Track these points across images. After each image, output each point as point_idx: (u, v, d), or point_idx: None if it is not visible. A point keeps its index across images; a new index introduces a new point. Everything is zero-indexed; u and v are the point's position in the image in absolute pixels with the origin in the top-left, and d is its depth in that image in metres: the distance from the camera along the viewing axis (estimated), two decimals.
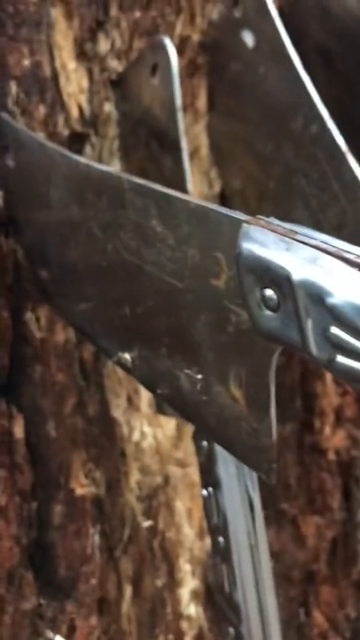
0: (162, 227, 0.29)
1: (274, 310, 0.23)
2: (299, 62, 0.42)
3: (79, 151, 0.48)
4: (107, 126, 0.49)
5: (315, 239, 0.23)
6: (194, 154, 0.53)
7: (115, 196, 0.32)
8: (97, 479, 0.50)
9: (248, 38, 0.46)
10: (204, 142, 0.53)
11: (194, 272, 0.28)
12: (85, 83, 0.47)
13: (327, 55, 0.51)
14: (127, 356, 0.37)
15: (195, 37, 0.50)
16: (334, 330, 0.21)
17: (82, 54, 0.47)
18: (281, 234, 0.23)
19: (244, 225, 0.24)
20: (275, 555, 0.60)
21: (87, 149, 0.48)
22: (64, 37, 0.46)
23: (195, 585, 0.57)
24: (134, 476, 0.53)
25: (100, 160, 0.49)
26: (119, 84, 0.48)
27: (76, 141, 0.48)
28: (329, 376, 0.59)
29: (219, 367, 0.29)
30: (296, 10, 0.52)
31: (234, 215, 0.25)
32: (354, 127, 0.48)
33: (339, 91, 0.50)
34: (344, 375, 0.21)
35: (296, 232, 0.23)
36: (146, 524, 0.53)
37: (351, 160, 0.39)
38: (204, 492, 0.43)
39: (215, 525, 0.43)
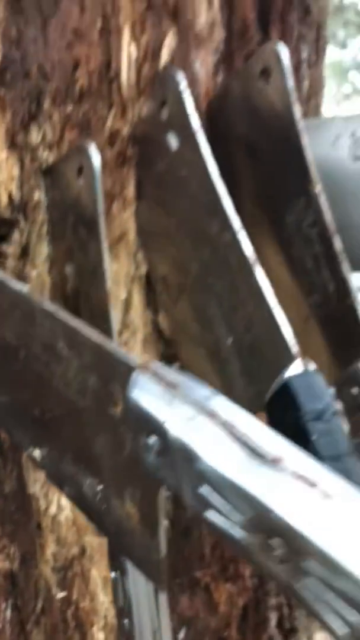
0: (68, 350, 0.31)
1: (156, 455, 0.25)
2: (216, 174, 0.45)
3: (7, 236, 0.50)
4: (37, 212, 0.51)
5: (196, 395, 0.25)
6: (121, 238, 0.56)
7: (27, 313, 0.34)
8: (11, 554, 0.51)
9: (172, 141, 0.49)
10: (131, 227, 0.55)
11: (94, 396, 0.30)
12: (16, 171, 0.49)
13: (252, 149, 0.54)
14: (37, 452, 0.38)
15: (126, 130, 0.53)
16: (203, 490, 0.23)
17: (14, 144, 0.49)
18: (166, 386, 0.25)
19: (135, 373, 0.27)
20: (188, 622, 0.62)
21: (16, 233, 0.50)
22: None
23: None
24: (50, 548, 0.54)
25: (28, 243, 0.51)
26: (50, 174, 0.50)
27: (4, 226, 0.49)
28: None
29: (116, 484, 0.31)
30: (224, 107, 0.56)
31: (128, 361, 0.27)
32: (276, 211, 0.52)
33: (263, 181, 0.54)
34: (214, 530, 0.23)
35: (179, 385, 0.25)
36: (60, 595, 0.54)
37: (258, 272, 0.42)
38: (112, 574, 0.45)
39: (121, 608, 0.45)
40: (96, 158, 0.43)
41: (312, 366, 0.40)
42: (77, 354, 0.30)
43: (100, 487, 0.33)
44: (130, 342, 0.57)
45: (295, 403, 0.39)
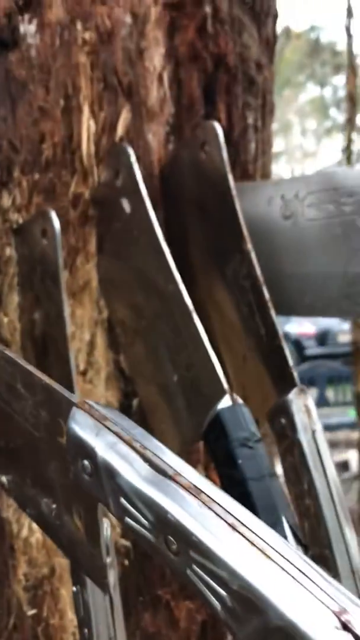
0: (24, 390, 0.38)
1: (89, 475, 0.32)
2: (161, 236, 0.52)
3: None
4: (8, 265, 0.58)
5: (119, 426, 0.32)
6: (85, 286, 0.63)
7: None
8: None
9: (126, 205, 0.56)
10: (94, 276, 0.62)
11: (46, 428, 0.37)
12: None
13: (199, 208, 0.62)
14: (4, 479, 0.44)
15: (87, 194, 0.60)
16: (122, 500, 0.29)
17: None
18: (96, 419, 0.32)
19: (73, 408, 0.33)
20: (151, 637, 0.67)
21: None
22: None
23: None
24: (22, 568, 0.59)
25: (1, 293, 0.58)
26: (19, 233, 0.57)
27: None
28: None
29: (66, 502, 0.37)
30: (174, 172, 0.63)
31: (69, 398, 0.34)
32: (219, 263, 0.59)
33: (209, 237, 0.61)
34: (131, 532, 0.30)
35: (107, 419, 0.32)
36: (31, 612, 0.59)
37: (195, 318, 0.49)
38: (74, 588, 0.51)
39: (82, 618, 0.50)
40: (56, 222, 0.51)
41: (239, 400, 0.47)
42: (32, 393, 0.37)
43: (54, 506, 0.39)
44: (95, 380, 0.64)
45: (224, 431, 0.46)
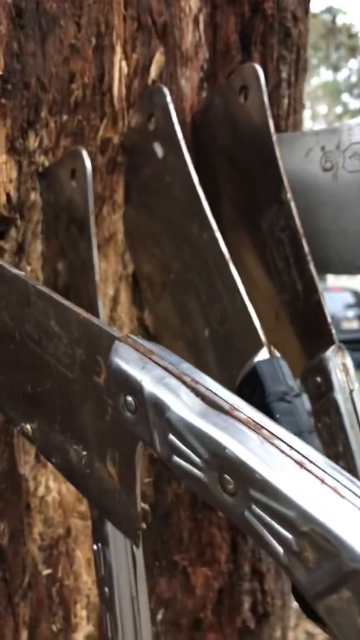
0: (58, 327, 0.35)
1: (132, 412, 0.29)
2: (196, 180, 0.49)
3: (5, 232, 0.54)
4: (32, 212, 0.55)
5: (166, 360, 0.29)
6: (110, 238, 0.60)
7: (22, 296, 0.38)
8: (1, 530, 0.54)
9: (158, 149, 0.53)
10: (120, 229, 0.60)
11: (81, 367, 0.34)
12: (14, 174, 0.53)
13: (232, 158, 0.59)
14: (28, 427, 0.42)
15: (116, 139, 0.57)
16: (171, 436, 0.27)
17: (13, 149, 0.53)
18: (142, 353, 0.29)
19: (116, 342, 0.31)
20: (166, 603, 0.66)
21: (12, 231, 0.54)
22: None
23: (89, 631, 0.61)
24: (38, 527, 0.58)
25: (24, 241, 0.55)
26: (45, 176, 0.54)
27: (2, 224, 0.53)
28: None
29: (99, 447, 0.35)
30: (207, 120, 0.60)
31: (110, 332, 0.32)
32: (251, 216, 0.56)
33: (241, 188, 0.58)
34: (178, 472, 0.27)
35: (153, 353, 0.29)
36: (46, 572, 0.57)
37: (232, 268, 0.47)
38: (95, 546, 0.49)
39: (102, 577, 0.48)
40: (88, 161, 0.48)
41: (277, 353, 0.45)
42: (67, 330, 0.35)
43: (84, 453, 0.37)
44: None
45: (261, 385, 0.43)
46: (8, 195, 0.53)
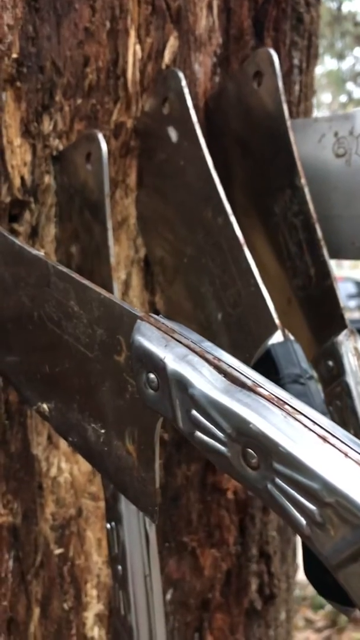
0: (79, 307, 0.36)
1: (155, 389, 0.30)
2: (211, 164, 0.50)
3: (19, 215, 0.54)
4: (46, 195, 0.56)
5: (188, 339, 0.30)
6: (123, 222, 0.60)
7: (42, 276, 0.38)
8: (15, 509, 0.55)
9: (172, 133, 0.53)
10: (132, 213, 0.60)
11: (101, 347, 0.35)
12: (28, 157, 0.54)
13: (245, 144, 0.59)
14: (45, 406, 0.43)
15: (130, 123, 0.57)
16: (194, 412, 0.28)
17: (27, 132, 0.53)
18: (164, 332, 0.30)
19: (138, 321, 0.31)
20: (174, 584, 0.67)
21: (27, 214, 0.55)
22: (12, 118, 0.52)
23: (100, 610, 0.62)
24: (50, 507, 0.58)
25: (37, 224, 0.56)
26: (59, 160, 0.55)
27: (17, 207, 0.54)
28: None
29: (118, 425, 0.36)
30: (220, 106, 0.60)
31: (132, 311, 0.32)
32: (264, 201, 0.56)
33: (254, 174, 0.59)
34: (200, 447, 0.28)
35: (175, 331, 0.30)
36: (58, 551, 0.58)
37: (247, 251, 0.47)
38: (108, 525, 0.49)
39: (115, 555, 0.49)
40: (104, 145, 0.48)
41: (291, 337, 0.45)
42: (87, 309, 0.35)
43: (103, 431, 0.37)
44: None
45: (275, 367, 0.44)
46: (22, 178, 0.54)
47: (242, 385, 0.27)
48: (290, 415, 0.25)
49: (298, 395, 0.43)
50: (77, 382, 0.38)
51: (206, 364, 0.28)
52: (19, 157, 0.53)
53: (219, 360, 0.28)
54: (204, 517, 0.66)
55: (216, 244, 0.50)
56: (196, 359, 0.28)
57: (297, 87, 0.72)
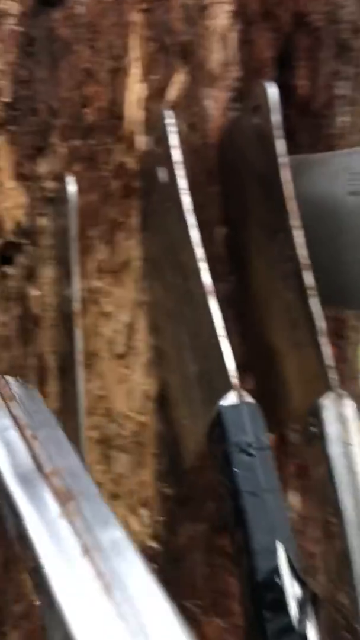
0: None
1: None
2: (188, 206, 0.46)
3: (13, 258, 0.54)
4: (43, 237, 0.55)
5: (23, 407, 0.27)
6: (125, 265, 0.58)
7: None
8: None
9: (162, 174, 0.51)
10: (135, 254, 0.57)
11: None
12: (23, 199, 0.54)
13: (258, 176, 0.55)
14: None
15: (131, 163, 0.55)
16: None
17: (22, 175, 0.53)
18: (3, 397, 0.27)
19: None
20: None
21: (21, 256, 0.54)
22: (5, 160, 0.53)
23: None
24: None
25: (33, 266, 0.55)
26: (54, 202, 0.54)
27: (10, 249, 0.54)
28: None
29: None
30: (232, 140, 0.57)
31: None
32: (272, 240, 0.52)
33: (272, 212, 0.54)
34: None
35: (14, 399, 0.27)
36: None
37: (211, 300, 0.43)
38: None
39: None
40: (72, 186, 0.47)
41: (248, 398, 0.40)
42: None
43: None
44: (133, 365, 0.59)
45: (223, 433, 0.39)
46: (16, 220, 0.54)
47: (40, 469, 0.23)
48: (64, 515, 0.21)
49: (244, 467, 0.38)
50: None
51: (21, 442, 0.25)
52: (12, 200, 0.53)
53: (35, 438, 0.25)
54: (209, 582, 0.61)
55: (189, 291, 0.46)
56: (14, 435, 0.25)
57: (340, 119, 0.66)
